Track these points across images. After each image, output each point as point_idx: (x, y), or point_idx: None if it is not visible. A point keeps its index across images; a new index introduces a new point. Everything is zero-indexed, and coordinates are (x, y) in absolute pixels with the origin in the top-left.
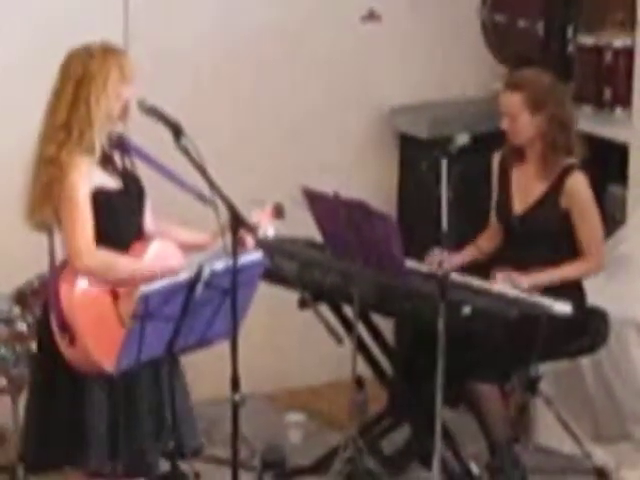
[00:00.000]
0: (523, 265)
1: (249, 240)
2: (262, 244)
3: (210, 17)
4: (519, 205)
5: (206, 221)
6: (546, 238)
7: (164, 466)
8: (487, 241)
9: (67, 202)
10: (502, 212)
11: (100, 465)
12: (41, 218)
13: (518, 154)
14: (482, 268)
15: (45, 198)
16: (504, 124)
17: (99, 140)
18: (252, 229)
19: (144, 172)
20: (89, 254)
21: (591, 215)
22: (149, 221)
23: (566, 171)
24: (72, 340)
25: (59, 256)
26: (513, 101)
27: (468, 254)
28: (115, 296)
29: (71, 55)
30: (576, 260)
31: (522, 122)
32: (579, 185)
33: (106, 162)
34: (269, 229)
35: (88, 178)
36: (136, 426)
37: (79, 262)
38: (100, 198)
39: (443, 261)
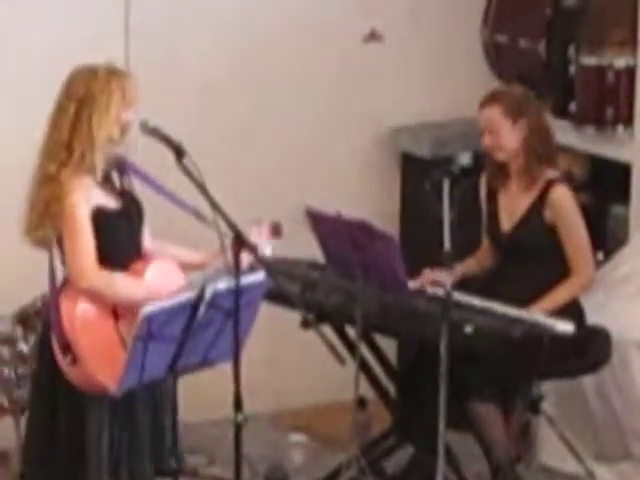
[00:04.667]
0: (518, 282)
1: (244, 259)
2: (265, 265)
3: (211, 36)
4: (507, 223)
5: (206, 240)
6: (536, 253)
7: None
8: (476, 261)
9: (68, 222)
10: (491, 231)
11: None
12: (41, 235)
13: (502, 172)
14: (485, 287)
15: (45, 216)
16: (486, 141)
17: (100, 161)
18: (253, 249)
19: (144, 192)
20: (92, 273)
21: (577, 227)
22: (147, 241)
23: (549, 184)
24: (74, 360)
25: (60, 275)
26: (492, 114)
27: (457, 272)
28: (116, 316)
29: (75, 74)
30: (566, 279)
31: (505, 133)
32: (563, 198)
33: (105, 182)
34: (266, 248)
35: (88, 198)
36: (137, 445)
37: (82, 281)
38: (99, 218)
39: (436, 280)
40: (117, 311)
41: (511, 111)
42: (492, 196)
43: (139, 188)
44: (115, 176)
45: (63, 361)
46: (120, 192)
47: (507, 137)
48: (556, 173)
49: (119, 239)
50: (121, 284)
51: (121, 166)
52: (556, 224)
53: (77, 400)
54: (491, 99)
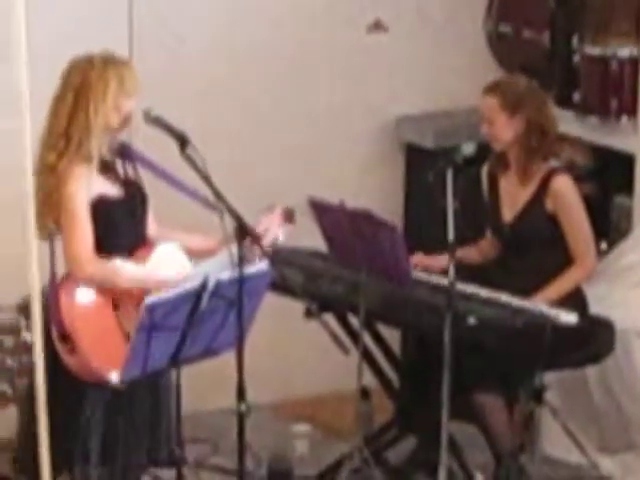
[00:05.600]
0: (521, 272)
1: (256, 251)
2: (268, 255)
3: (216, 29)
4: (508, 213)
5: (211, 228)
6: (538, 243)
7: (169, 474)
8: (477, 250)
9: (66, 211)
10: (493, 221)
11: (85, 476)
12: (43, 226)
13: (503, 162)
14: (488, 278)
15: (46, 207)
16: (483, 129)
17: (97, 149)
18: (258, 239)
19: (148, 178)
20: (88, 262)
21: (578, 217)
22: (152, 228)
23: (550, 174)
24: (72, 349)
25: (61, 265)
26: (489, 104)
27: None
28: (116, 305)
29: (72, 64)
30: (569, 268)
31: (499, 125)
32: (564, 187)
33: (108, 170)
34: (279, 233)
35: (87, 187)
36: (134, 435)
37: (79, 271)
38: (101, 206)
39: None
40: (117, 300)
41: (509, 104)
42: (493, 187)
43: (148, 177)
44: (119, 163)
45: (62, 350)
46: (124, 180)
47: (502, 129)
48: (557, 163)
49: (121, 227)
50: (120, 271)
51: (125, 153)
52: (557, 214)
53: (75, 390)
54: (492, 89)
